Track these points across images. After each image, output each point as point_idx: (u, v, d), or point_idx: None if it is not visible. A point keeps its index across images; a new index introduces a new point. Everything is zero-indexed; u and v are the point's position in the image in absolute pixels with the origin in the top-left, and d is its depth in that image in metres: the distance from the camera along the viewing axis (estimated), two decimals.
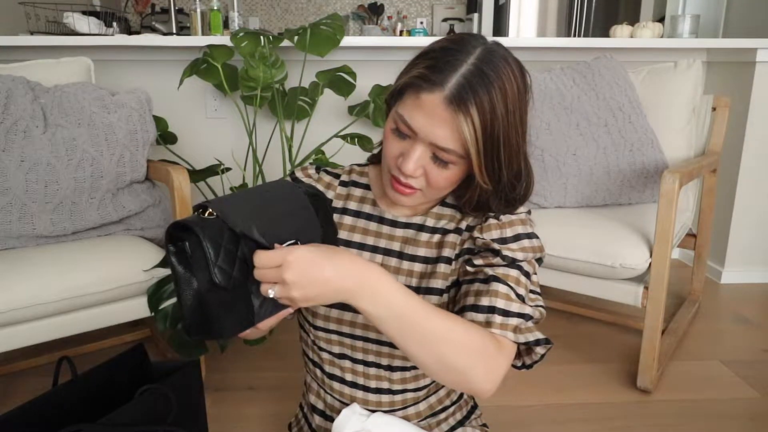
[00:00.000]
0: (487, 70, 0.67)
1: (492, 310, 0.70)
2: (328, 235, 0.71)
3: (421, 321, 0.62)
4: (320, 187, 0.87)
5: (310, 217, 0.68)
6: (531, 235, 0.77)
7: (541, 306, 0.76)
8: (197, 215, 0.62)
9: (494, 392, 0.67)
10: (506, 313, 0.70)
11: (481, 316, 0.70)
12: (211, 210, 0.61)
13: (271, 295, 0.60)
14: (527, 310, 0.72)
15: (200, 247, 0.58)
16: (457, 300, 0.77)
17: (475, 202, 0.77)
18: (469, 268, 0.75)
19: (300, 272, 0.58)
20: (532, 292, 0.76)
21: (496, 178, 0.72)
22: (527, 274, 0.75)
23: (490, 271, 0.73)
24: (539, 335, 0.72)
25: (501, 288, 0.71)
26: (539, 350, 0.74)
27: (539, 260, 0.78)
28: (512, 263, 0.73)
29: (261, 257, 0.59)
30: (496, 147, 0.69)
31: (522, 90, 0.70)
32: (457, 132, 0.67)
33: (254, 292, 0.62)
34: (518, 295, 0.72)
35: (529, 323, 0.73)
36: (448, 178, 0.72)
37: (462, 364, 0.64)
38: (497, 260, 0.73)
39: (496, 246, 0.74)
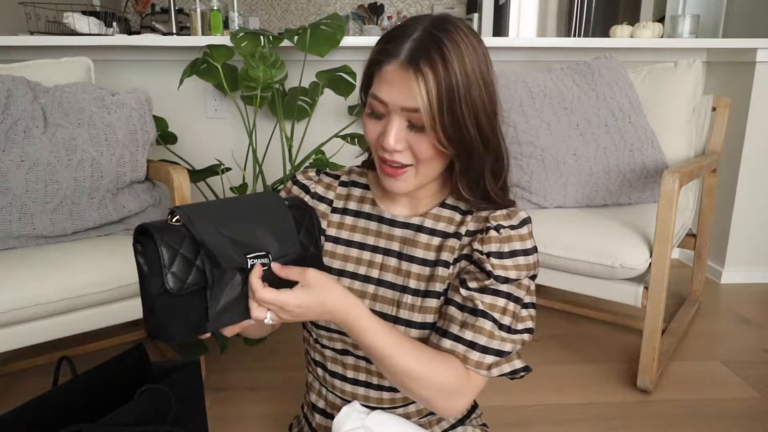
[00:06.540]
0: (437, 33, 0.70)
1: (473, 345, 0.74)
2: (307, 252, 0.73)
3: (388, 358, 0.71)
4: (320, 188, 0.88)
5: (288, 231, 0.70)
6: (528, 252, 0.77)
7: (529, 329, 0.78)
8: (165, 221, 0.63)
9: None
10: (485, 350, 0.74)
11: (461, 348, 0.74)
12: (178, 217, 0.62)
13: (267, 321, 0.67)
14: (507, 347, 0.75)
15: (156, 252, 0.60)
16: (442, 313, 0.78)
17: (468, 179, 0.78)
18: (462, 292, 0.76)
19: (295, 315, 0.67)
20: (525, 307, 0.78)
21: (464, 136, 0.72)
22: (516, 300, 0.76)
23: (479, 303, 0.74)
24: (517, 365, 0.76)
25: (486, 325, 0.74)
26: (520, 372, 0.78)
27: (532, 277, 0.79)
28: (505, 282, 0.75)
29: (266, 295, 0.65)
30: (458, 102, 0.69)
31: (479, 49, 0.72)
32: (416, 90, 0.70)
33: (212, 300, 0.64)
34: (502, 327, 0.74)
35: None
36: (430, 144, 0.72)
37: (426, 396, 0.73)
38: (490, 282, 0.75)
39: (488, 266, 0.75)
